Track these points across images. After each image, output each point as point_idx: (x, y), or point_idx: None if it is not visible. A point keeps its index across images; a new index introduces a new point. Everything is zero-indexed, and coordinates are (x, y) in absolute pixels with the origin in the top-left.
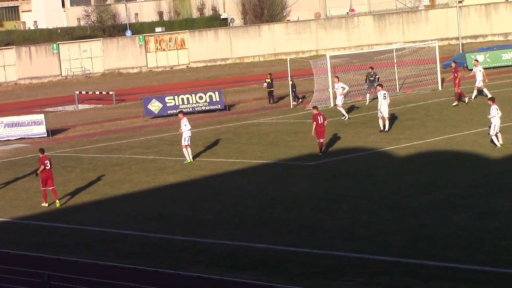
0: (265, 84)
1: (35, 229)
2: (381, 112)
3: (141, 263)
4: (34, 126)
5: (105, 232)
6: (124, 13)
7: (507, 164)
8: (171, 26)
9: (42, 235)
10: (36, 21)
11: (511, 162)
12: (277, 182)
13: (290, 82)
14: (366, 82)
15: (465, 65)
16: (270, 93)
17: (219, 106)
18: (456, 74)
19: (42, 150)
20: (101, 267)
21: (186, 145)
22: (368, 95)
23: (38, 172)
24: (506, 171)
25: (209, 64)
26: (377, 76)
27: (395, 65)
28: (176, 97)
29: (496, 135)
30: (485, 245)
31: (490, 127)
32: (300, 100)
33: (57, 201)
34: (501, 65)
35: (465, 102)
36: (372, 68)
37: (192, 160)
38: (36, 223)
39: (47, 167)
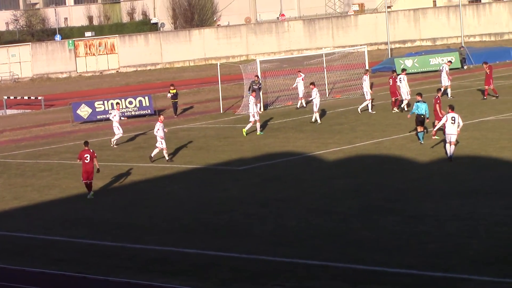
0: (169, 95)
1: None
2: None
3: (69, 269)
4: None
5: (33, 238)
6: (54, 18)
7: (434, 169)
8: (101, 30)
9: None
10: None
11: (439, 167)
12: (206, 187)
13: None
14: (249, 90)
15: (394, 69)
16: (174, 104)
17: (149, 111)
18: (489, 72)
19: (86, 143)
20: (29, 273)
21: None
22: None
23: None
24: (433, 175)
25: (139, 69)
26: (260, 86)
27: (325, 70)
28: (105, 102)
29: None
30: (413, 248)
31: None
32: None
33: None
34: (429, 70)
35: (497, 97)
36: (257, 76)
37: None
38: None
39: (87, 161)
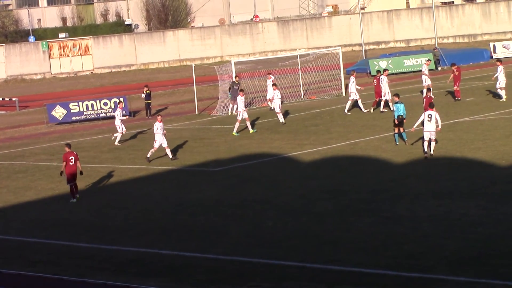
0: (143, 95)
1: None
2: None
3: (45, 271)
4: None
5: (9, 240)
6: (27, 19)
7: (409, 169)
8: (74, 32)
9: None
10: None
11: (414, 167)
12: (182, 188)
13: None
14: (229, 91)
15: (369, 71)
16: (148, 105)
17: (124, 112)
18: (457, 73)
19: (68, 145)
20: (5, 275)
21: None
22: (231, 105)
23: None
24: (408, 176)
25: (113, 70)
26: (239, 86)
27: (300, 71)
28: (80, 103)
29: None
30: (389, 249)
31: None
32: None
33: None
34: (404, 71)
35: (458, 100)
36: (237, 76)
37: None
38: None
39: (71, 163)
